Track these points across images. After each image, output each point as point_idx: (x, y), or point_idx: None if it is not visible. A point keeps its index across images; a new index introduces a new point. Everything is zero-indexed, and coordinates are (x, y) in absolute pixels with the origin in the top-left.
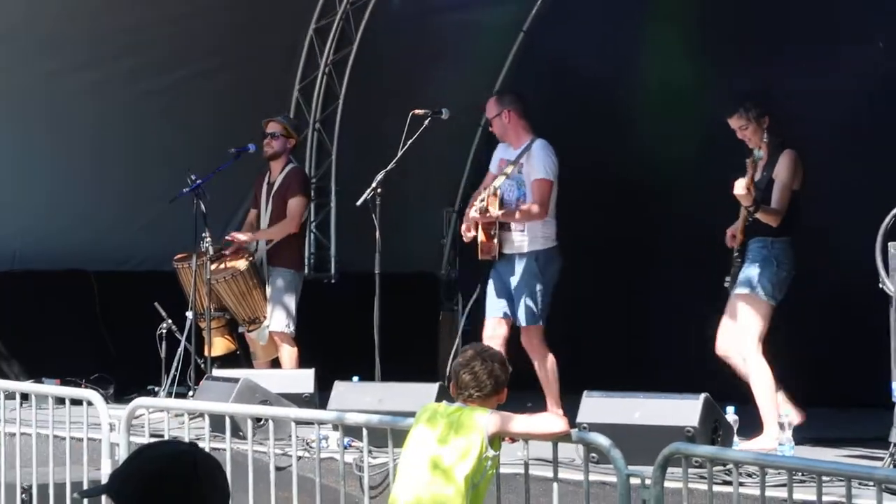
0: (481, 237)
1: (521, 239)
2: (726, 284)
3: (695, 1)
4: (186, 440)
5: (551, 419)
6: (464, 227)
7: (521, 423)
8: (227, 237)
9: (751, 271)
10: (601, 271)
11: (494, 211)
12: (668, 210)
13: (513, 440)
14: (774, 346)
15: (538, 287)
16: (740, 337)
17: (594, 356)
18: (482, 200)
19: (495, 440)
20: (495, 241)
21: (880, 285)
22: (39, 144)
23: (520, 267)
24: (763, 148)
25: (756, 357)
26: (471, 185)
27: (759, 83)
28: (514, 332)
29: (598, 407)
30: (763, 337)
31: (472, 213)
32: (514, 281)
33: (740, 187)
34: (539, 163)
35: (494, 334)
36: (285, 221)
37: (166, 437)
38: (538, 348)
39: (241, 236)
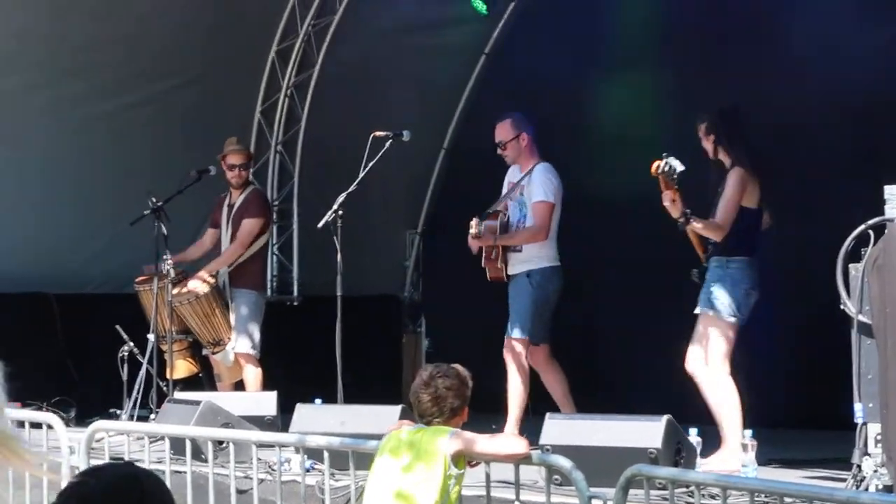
0: (483, 261)
1: (520, 259)
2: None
3: (658, 18)
4: (147, 463)
5: (512, 441)
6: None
7: (482, 444)
8: (192, 280)
9: (709, 290)
10: (564, 292)
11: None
12: (633, 229)
13: (474, 464)
14: (736, 367)
15: (528, 303)
16: (706, 357)
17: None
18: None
19: (459, 459)
20: (498, 263)
21: (841, 306)
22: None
23: (517, 286)
24: (715, 165)
25: (722, 377)
26: (433, 207)
27: (726, 96)
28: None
29: (560, 429)
30: (728, 355)
31: (470, 238)
32: (511, 299)
33: (665, 199)
34: (539, 185)
35: (507, 352)
36: (234, 244)
37: (126, 460)
38: (517, 363)
39: (206, 276)
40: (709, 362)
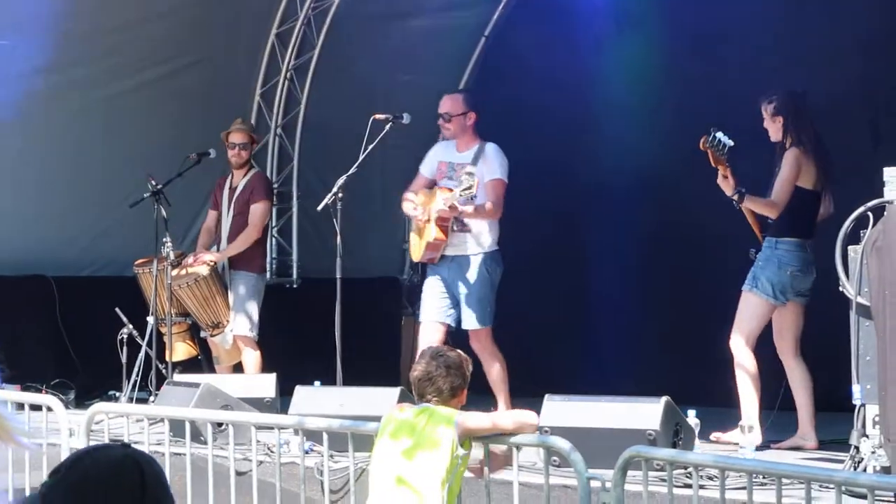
0: (436, 234)
1: (468, 240)
2: None
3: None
4: (146, 445)
5: (525, 412)
6: (415, 229)
7: (494, 417)
8: (197, 259)
9: (755, 270)
10: (560, 275)
11: (461, 202)
12: (629, 212)
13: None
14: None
15: (487, 289)
16: (734, 332)
17: (553, 361)
18: (466, 188)
19: (465, 440)
20: (448, 240)
21: (840, 288)
22: (0, 151)
23: (468, 269)
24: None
25: (743, 350)
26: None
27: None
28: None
29: (559, 410)
30: (756, 334)
31: (440, 205)
32: (461, 284)
33: (718, 176)
34: (496, 164)
35: (433, 339)
36: (248, 229)
37: (124, 441)
38: (489, 350)
39: (209, 256)
40: (733, 334)
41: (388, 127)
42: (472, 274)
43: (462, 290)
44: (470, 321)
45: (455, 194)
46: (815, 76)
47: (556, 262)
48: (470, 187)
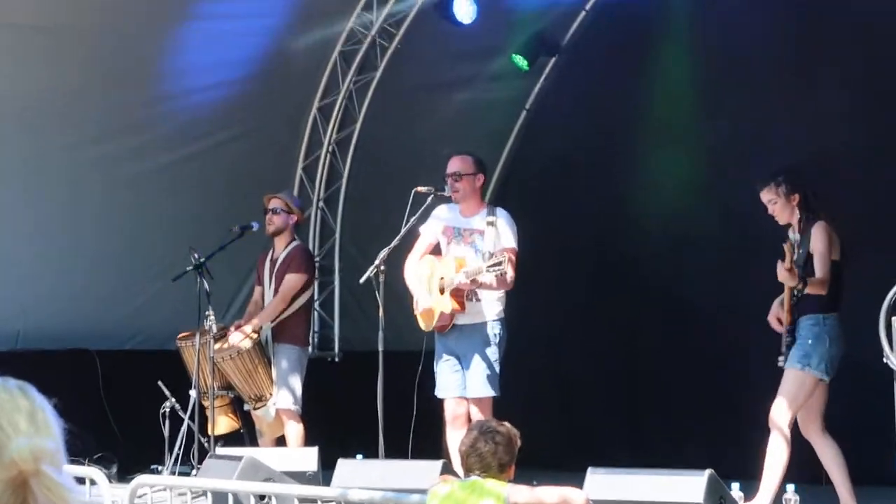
0: (452, 305)
1: (481, 308)
2: (781, 364)
3: (695, 76)
4: None
5: (571, 489)
6: (423, 296)
7: (541, 493)
8: (233, 330)
9: (804, 349)
10: (603, 343)
11: (489, 278)
12: (673, 281)
13: None
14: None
15: (495, 357)
16: (776, 408)
17: (594, 431)
18: (494, 264)
19: None
20: (463, 310)
21: (884, 360)
22: (40, 223)
23: (476, 337)
24: (795, 225)
25: (784, 430)
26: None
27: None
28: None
29: (602, 483)
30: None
31: (460, 278)
32: (469, 352)
33: (782, 271)
34: (509, 233)
35: (458, 413)
36: (275, 299)
37: None
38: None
39: (247, 329)
40: (779, 412)
41: (430, 199)
42: (481, 342)
43: (471, 358)
44: (476, 389)
45: (480, 269)
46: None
47: (598, 330)
48: (499, 263)
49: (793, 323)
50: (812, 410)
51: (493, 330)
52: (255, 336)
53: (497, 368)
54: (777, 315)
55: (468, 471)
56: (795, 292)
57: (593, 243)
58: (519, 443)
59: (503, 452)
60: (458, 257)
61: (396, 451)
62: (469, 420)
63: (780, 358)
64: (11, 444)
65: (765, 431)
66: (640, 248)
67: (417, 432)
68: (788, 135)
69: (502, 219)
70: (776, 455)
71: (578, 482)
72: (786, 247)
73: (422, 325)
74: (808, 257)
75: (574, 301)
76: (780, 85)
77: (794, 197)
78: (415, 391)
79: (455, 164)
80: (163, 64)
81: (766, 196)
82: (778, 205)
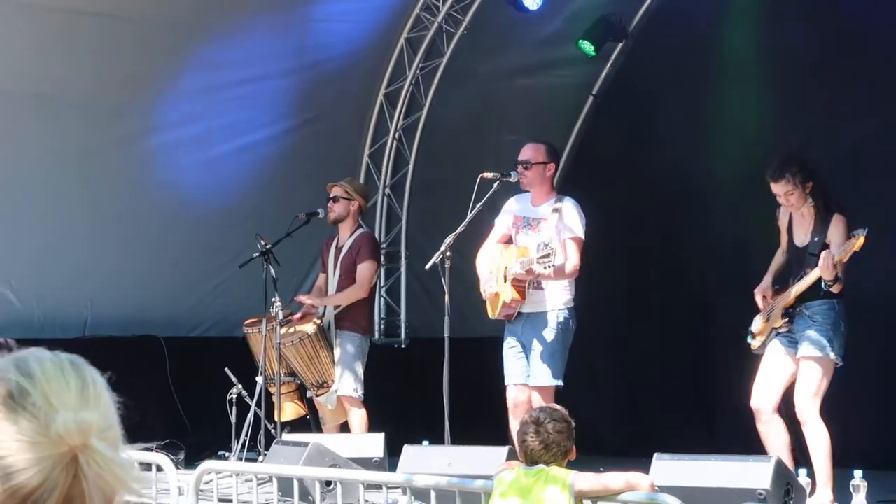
0: (513, 295)
1: (544, 298)
2: (754, 343)
3: (768, 63)
4: None
5: (637, 475)
6: (490, 284)
7: (606, 479)
8: (295, 298)
9: (826, 335)
10: (671, 329)
11: (540, 269)
12: (735, 270)
13: None
14: (840, 409)
15: (560, 346)
16: (803, 398)
17: (661, 418)
18: (543, 256)
19: (579, 501)
20: (524, 298)
21: None
22: (108, 210)
23: (542, 326)
24: (810, 208)
25: (818, 419)
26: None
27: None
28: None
29: (669, 469)
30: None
31: (516, 269)
32: (535, 340)
33: (830, 263)
34: (576, 221)
35: (520, 400)
36: (354, 287)
37: (235, 502)
38: None
39: (309, 300)
40: (808, 404)
41: (496, 185)
42: (545, 330)
43: (535, 346)
44: (538, 378)
45: (532, 260)
46: None
47: (666, 319)
48: (548, 256)
49: (793, 306)
50: (819, 392)
51: (558, 318)
52: (318, 321)
53: (561, 357)
54: (764, 292)
55: (530, 457)
56: (825, 285)
57: (661, 230)
58: (573, 425)
59: (564, 440)
60: (522, 247)
61: (462, 437)
62: (531, 408)
63: (754, 339)
64: (58, 417)
65: (837, 417)
66: (708, 236)
67: (483, 419)
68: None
69: (569, 206)
70: (819, 444)
71: (644, 469)
72: (847, 246)
73: (489, 312)
74: (824, 246)
75: (641, 288)
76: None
77: (809, 185)
78: (481, 378)
79: (526, 153)
80: (223, 52)
81: (784, 187)
82: (795, 195)
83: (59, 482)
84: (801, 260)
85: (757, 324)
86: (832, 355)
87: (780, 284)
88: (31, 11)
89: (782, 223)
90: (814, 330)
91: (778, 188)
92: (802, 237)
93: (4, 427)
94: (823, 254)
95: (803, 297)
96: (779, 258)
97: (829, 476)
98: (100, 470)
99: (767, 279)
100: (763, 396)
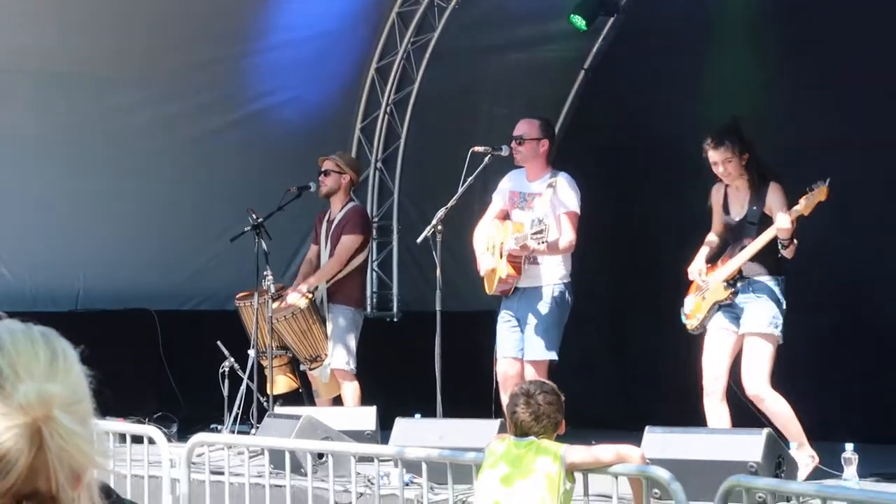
0: (508, 270)
1: (540, 273)
2: (690, 322)
3: (757, 33)
4: (247, 477)
5: (628, 447)
6: (486, 260)
7: (597, 452)
8: (290, 291)
9: (771, 310)
10: (662, 303)
11: (534, 245)
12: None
13: None
14: (830, 383)
15: (555, 320)
16: (755, 375)
17: (653, 392)
18: (536, 232)
19: (570, 472)
20: (519, 273)
21: None
22: (99, 183)
23: (538, 300)
24: (745, 181)
25: (773, 392)
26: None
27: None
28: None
29: (660, 442)
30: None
31: (510, 244)
32: (530, 314)
33: (788, 219)
34: (571, 196)
35: (510, 374)
36: (332, 260)
37: (227, 475)
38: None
39: (303, 288)
40: (760, 380)
41: (487, 159)
42: (540, 304)
43: (530, 320)
44: (532, 351)
45: (526, 236)
46: None
47: (654, 292)
48: (541, 232)
49: (736, 278)
50: (763, 366)
51: (553, 293)
52: (310, 296)
53: (556, 331)
54: (700, 268)
55: (520, 429)
56: (780, 245)
57: (654, 204)
58: (562, 398)
59: (553, 411)
60: (517, 223)
61: (454, 410)
62: (521, 381)
63: (689, 319)
64: (21, 387)
65: (826, 392)
66: (702, 210)
67: (475, 392)
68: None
69: (563, 182)
70: (783, 409)
71: (636, 442)
72: (810, 197)
73: (486, 288)
74: (763, 216)
75: (632, 262)
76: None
77: (746, 156)
78: (472, 351)
79: (520, 128)
80: (216, 26)
81: (722, 155)
82: (732, 163)
83: (22, 452)
84: (739, 233)
85: (690, 303)
86: (777, 332)
87: (713, 262)
88: None
89: (716, 200)
90: (759, 305)
91: (717, 155)
92: (739, 210)
93: None
94: (777, 214)
95: (747, 269)
96: (710, 239)
97: (802, 435)
98: (63, 443)
99: (700, 259)
100: (714, 380)
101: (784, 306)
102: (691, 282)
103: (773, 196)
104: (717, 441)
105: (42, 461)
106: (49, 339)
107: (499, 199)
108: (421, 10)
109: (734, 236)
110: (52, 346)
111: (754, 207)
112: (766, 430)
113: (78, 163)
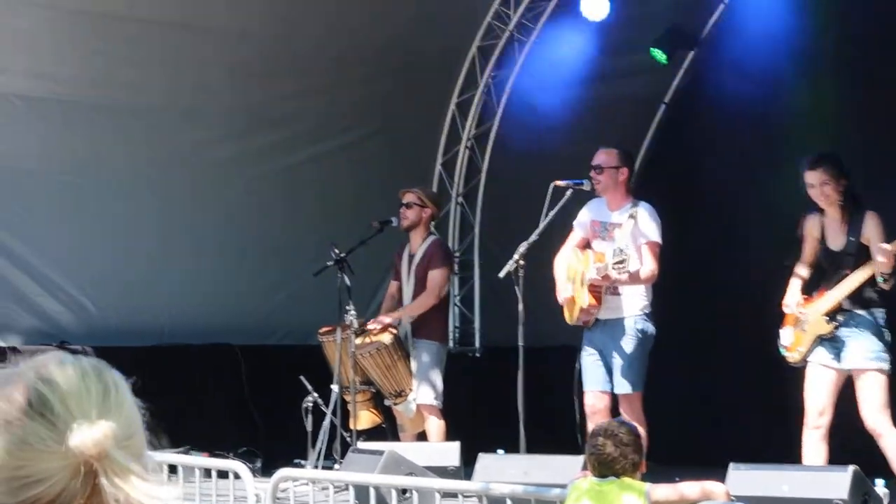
0: (589, 300)
1: (621, 304)
2: (791, 355)
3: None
4: None
5: (712, 483)
6: (567, 288)
7: (682, 488)
8: (370, 323)
9: (870, 342)
10: (748, 336)
11: (615, 275)
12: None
13: None
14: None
15: (639, 352)
16: (872, 410)
17: (733, 428)
18: (618, 262)
19: None
20: (601, 304)
21: None
22: (183, 217)
23: (621, 333)
24: (838, 209)
25: (892, 429)
26: None
27: None
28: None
29: (745, 479)
30: None
31: (591, 274)
32: (613, 348)
33: (888, 255)
34: (651, 226)
35: (598, 407)
36: (425, 294)
37: None
38: (637, 416)
39: (386, 319)
40: (881, 418)
41: (568, 194)
42: (624, 339)
43: (614, 354)
44: (621, 386)
45: (607, 265)
46: None
47: (742, 329)
48: (622, 262)
49: (837, 311)
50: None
51: (636, 325)
52: (394, 331)
53: (640, 365)
54: (798, 300)
55: (601, 466)
56: (881, 279)
57: (735, 237)
58: (644, 436)
59: (633, 454)
60: (598, 252)
61: (536, 445)
62: (610, 415)
63: (789, 352)
64: (75, 428)
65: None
66: (780, 245)
67: (557, 427)
68: None
69: (644, 212)
70: None
71: (720, 478)
72: None
73: (566, 317)
74: (861, 247)
75: (717, 294)
76: None
77: (843, 181)
78: (555, 386)
79: (598, 158)
80: (296, 59)
81: (820, 177)
82: (829, 186)
83: (77, 492)
84: (837, 263)
85: (789, 336)
86: (885, 365)
87: (807, 294)
88: (104, 20)
89: (809, 231)
90: (863, 339)
91: (814, 177)
92: (836, 239)
93: (23, 436)
94: (875, 246)
95: (848, 302)
96: (800, 270)
97: None
98: (118, 480)
99: (795, 291)
100: (819, 416)
101: (887, 337)
102: (784, 314)
103: (871, 226)
104: (803, 478)
105: (97, 500)
106: (100, 371)
107: (579, 229)
108: (501, 45)
109: (833, 268)
110: (104, 380)
111: (852, 238)
112: (851, 467)
113: (163, 196)
